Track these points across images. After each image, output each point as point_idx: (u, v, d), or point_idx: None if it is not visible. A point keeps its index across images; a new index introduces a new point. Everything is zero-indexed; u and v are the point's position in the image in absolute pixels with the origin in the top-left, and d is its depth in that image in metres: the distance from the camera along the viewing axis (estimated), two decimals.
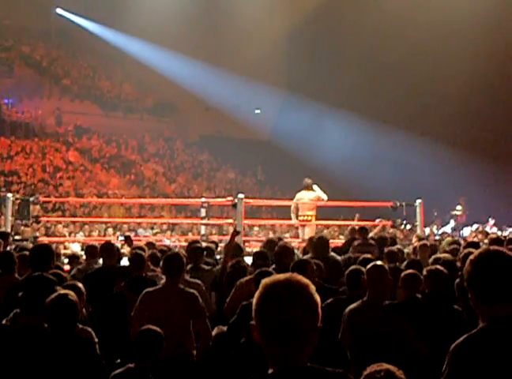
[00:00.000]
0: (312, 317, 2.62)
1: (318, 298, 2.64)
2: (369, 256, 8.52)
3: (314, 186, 16.28)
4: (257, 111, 37.93)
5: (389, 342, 5.92)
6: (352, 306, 6.21)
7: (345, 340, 6.11)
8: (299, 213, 16.13)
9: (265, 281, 2.68)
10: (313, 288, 2.65)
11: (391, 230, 18.99)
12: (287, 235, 20.71)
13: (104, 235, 19.62)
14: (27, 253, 7.87)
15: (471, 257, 3.32)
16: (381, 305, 6.22)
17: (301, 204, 16.14)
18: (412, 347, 6.03)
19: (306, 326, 2.60)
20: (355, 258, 9.22)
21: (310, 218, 16.12)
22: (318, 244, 9.87)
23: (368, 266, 6.37)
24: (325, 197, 16.16)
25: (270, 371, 2.62)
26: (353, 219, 17.26)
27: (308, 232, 15.69)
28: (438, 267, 7.14)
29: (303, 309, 2.59)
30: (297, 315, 2.57)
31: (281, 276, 2.67)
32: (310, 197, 16.15)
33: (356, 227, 13.05)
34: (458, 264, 8.65)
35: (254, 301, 2.66)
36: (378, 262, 6.52)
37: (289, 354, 2.59)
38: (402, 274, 7.08)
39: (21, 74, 35.38)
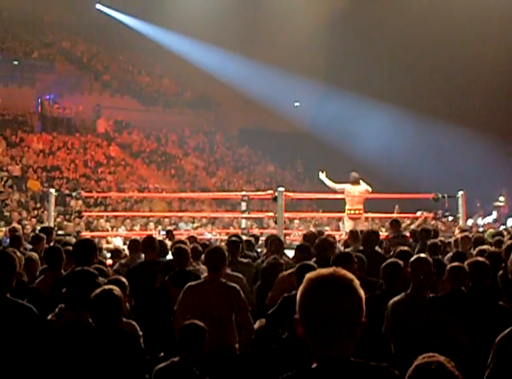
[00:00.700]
0: (356, 311, 2.62)
1: (362, 292, 2.64)
2: (406, 248, 8.48)
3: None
4: (296, 104, 37.85)
5: (433, 335, 5.86)
6: (395, 299, 6.17)
7: (389, 333, 6.07)
8: (348, 207, 15.90)
9: (309, 276, 2.68)
10: (357, 283, 2.65)
11: (433, 222, 18.85)
12: (327, 228, 20.63)
13: (146, 229, 19.74)
14: (70, 248, 7.95)
15: None
16: (425, 298, 6.17)
17: (351, 197, 15.90)
18: (455, 341, 5.98)
19: (350, 321, 2.60)
20: (393, 251, 9.19)
21: (360, 212, 15.91)
22: (367, 237, 9.87)
23: (412, 258, 6.32)
24: (370, 189, 16.04)
25: (314, 365, 2.62)
26: (393, 212, 17.18)
27: (359, 226, 15.18)
28: (480, 259, 7.05)
29: (347, 303, 2.59)
30: (341, 310, 2.58)
31: (325, 271, 2.67)
32: (360, 190, 15.95)
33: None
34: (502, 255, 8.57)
35: (298, 295, 2.66)
36: (422, 254, 6.47)
37: (333, 348, 2.60)
38: (448, 266, 6.97)
39: (62, 70, 35.69)
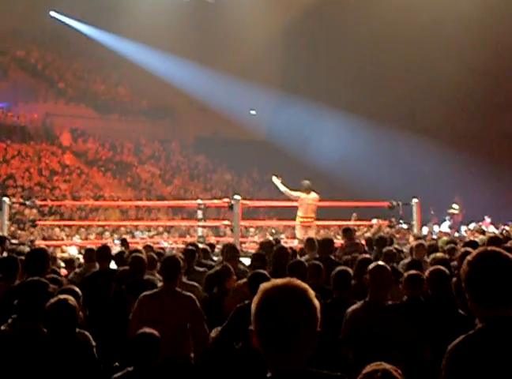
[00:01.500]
0: (311, 321, 2.62)
1: (317, 302, 2.64)
2: (367, 256, 8.55)
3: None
4: (252, 112, 37.92)
5: (393, 343, 5.89)
6: (354, 307, 6.18)
7: (347, 341, 6.08)
8: (302, 215, 16.00)
9: (263, 286, 2.67)
10: (312, 293, 2.65)
11: (387, 230, 18.97)
12: (282, 236, 20.68)
13: (101, 238, 19.60)
14: (23, 257, 7.83)
15: (468, 257, 3.31)
16: (384, 306, 6.21)
17: (305, 205, 15.97)
18: (415, 349, 6.01)
19: (305, 331, 2.60)
20: (352, 259, 9.24)
21: (312, 220, 16.04)
22: (323, 245, 9.93)
23: (371, 266, 6.35)
24: (318, 198, 16.18)
25: (269, 375, 2.62)
26: (350, 220, 17.30)
27: (311, 233, 15.35)
28: (440, 267, 7.11)
29: (302, 314, 2.59)
30: (296, 321, 2.58)
31: (280, 281, 2.66)
32: (313, 198, 16.07)
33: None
34: (455, 263, 8.66)
35: (253, 306, 2.65)
36: (380, 262, 6.49)
37: (288, 358, 2.59)
38: (405, 274, 7.03)
39: (16, 78, 35.36)
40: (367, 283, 6.24)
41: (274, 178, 16.56)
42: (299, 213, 16.05)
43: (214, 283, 8.24)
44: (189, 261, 8.97)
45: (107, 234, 20.79)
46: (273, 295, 2.61)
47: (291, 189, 16.21)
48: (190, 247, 9.81)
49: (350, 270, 6.89)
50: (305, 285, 2.67)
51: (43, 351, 5.00)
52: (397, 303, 6.73)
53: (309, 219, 15.95)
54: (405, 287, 6.85)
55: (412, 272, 7.03)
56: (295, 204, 16.43)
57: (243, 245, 16.87)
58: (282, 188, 16.27)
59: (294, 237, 18.07)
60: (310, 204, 15.98)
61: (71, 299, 5.23)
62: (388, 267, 6.42)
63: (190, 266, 9.03)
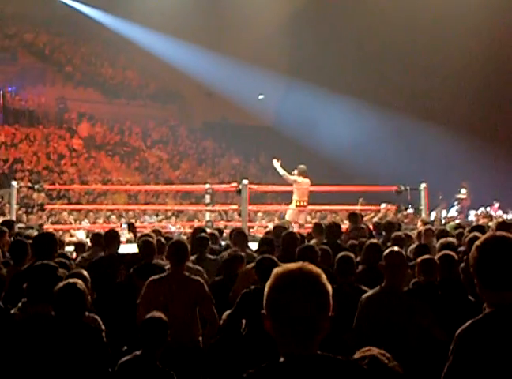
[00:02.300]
0: (325, 306, 2.64)
1: (329, 287, 2.67)
2: (375, 241, 8.55)
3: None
4: (260, 97, 37.82)
5: (409, 329, 5.87)
6: (369, 294, 6.14)
7: (362, 328, 6.02)
8: (298, 198, 16.36)
9: (276, 271, 2.69)
10: (324, 277, 2.67)
11: (392, 215, 18.93)
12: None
13: (109, 222, 19.62)
14: (31, 241, 7.85)
15: (477, 242, 3.31)
16: (401, 292, 6.17)
17: (301, 189, 16.35)
18: (432, 334, 5.97)
19: (319, 315, 2.62)
20: (358, 244, 9.25)
21: (305, 203, 16.52)
22: (330, 229, 9.94)
23: (386, 252, 6.30)
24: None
25: (282, 360, 2.63)
26: (357, 204, 17.33)
27: (301, 217, 16.42)
28: (449, 252, 7.10)
29: (315, 298, 2.61)
30: (310, 305, 2.60)
31: (293, 266, 2.68)
32: (307, 182, 16.50)
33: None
34: (463, 248, 8.64)
35: (266, 290, 2.67)
36: (396, 248, 6.45)
37: (301, 342, 2.61)
38: (419, 259, 6.98)
39: (24, 62, 35.32)
40: (382, 269, 6.21)
41: (274, 161, 16.78)
42: (295, 197, 16.42)
43: (228, 269, 8.23)
44: (201, 249, 8.95)
45: (114, 218, 20.80)
46: (287, 280, 2.63)
47: (289, 173, 16.40)
48: (203, 234, 9.68)
49: (352, 255, 6.88)
50: (318, 269, 2.69)
51: (50, 335, 5.02)
52: (414, 288, 6.71)
53: (304, 203, 16.39)
54: (420, 272, 6.81)
55: (426, 256, 7.01)
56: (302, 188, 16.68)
57: (251, 230, 16.91)
58: (281, 171, 16.55)
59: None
60: (305, 189, 16.37)
61: (80, 283, 5.24)
62: (403, 252, 6.40)
63: (203, 254, 9.01)
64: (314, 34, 32.74)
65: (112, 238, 8.97)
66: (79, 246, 10.84)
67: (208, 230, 11.30)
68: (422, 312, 6.02)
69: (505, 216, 20.93)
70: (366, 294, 6.15)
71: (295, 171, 16.50)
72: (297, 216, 16.37)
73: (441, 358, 5.61)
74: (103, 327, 5.97)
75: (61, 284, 5.15)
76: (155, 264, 7.98)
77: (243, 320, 6.68)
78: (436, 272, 6.72)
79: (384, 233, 11.26)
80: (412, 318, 5.93)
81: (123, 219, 20.32)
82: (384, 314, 5.95)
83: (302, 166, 16.57)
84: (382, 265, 6.20)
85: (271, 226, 15.14)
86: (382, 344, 5.62)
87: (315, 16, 32.85)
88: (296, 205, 16.39)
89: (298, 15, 33.36)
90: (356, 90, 30.59)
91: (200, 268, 8.01)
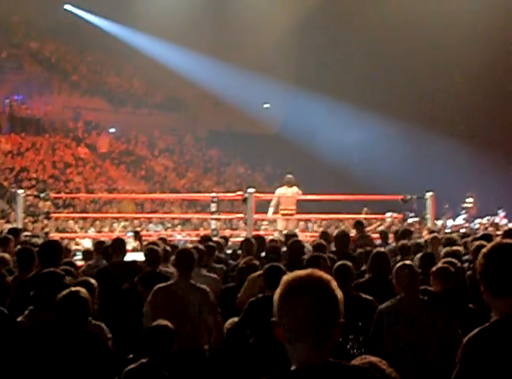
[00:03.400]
0: (336, 312, 2.63)
1: (340, 293, 2.66)
2: (382, 248, 8.55)
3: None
4: (266, 106, 37.85)
5: (432, 337, 5.80)
6: (387, 304, 6.06)
7: (382, 339, 5.92)
8: (283, 207, 16.69)
9: (286, 278, 2.67)
10: (335, 284, 2.66)
11: (399, 225, 18.90)
12: (296, 230, 20.67)
13: (113, 231, 19.62)
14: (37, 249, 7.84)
15: (484, 250, 3.31)
16: (420, 300, 6.11)
17: (285, 198, 16.70)
18: (452, 341, 5.90)
19: (329, 322, 2.61)
20: (365, 252, 9.24)
21: (292, 212, 16.77)
22: (340, 238, 9.95)
23: (397, 266, 6.23)
24: (300, 192, 17.02)
25: (293, 368, 2.62)
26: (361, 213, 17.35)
27: (290, 226, 16.51)
28: (445, 265, 7.11)
29: (327, 305, 2.61)
30: (321, 311, 2.59)
31: (302, 273, 2.67)
32: (292, 191, 16.83)
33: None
34: (469, 256, 8.64)
35: (277, 298, 2.65)
36: (407, 262, 6.42)
37: (313, 350, 2.60)
38: (434, 268, 7.03)
39: (30, 71, 35.40)
40: (396, 286, 6.12)
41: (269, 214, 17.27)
42: (281, 206, 16.75)
43: (242, 276, 8.21)
44: (208, 257, 8.94)
45: (119, 226, 20.79)
46: (297, 286, 2.62)
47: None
48: (210, 244, 9.71)
49: (350, 264, 6.88)
50: (328, 276, 2.68)
51: (56, 343, 5.03)
52: (433, 296, 6.69)
53: (289, 211, 16.67)
54: (437, 281, 6.82)
55: (441, 265, 7.04)
56: (308, 197, 17.47)
57: None
58: (270, 210, 17.08)
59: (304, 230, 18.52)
60: (289, 197, 16.75)
61: (82, 291, 5.24)
62: (412, 264, 6.39)
63: (209, 262, 9.01)
64: (320, 43, 32.81)
65: (119, 246, 8.97)
66: (86, 254, 10.86)
67: (215, 239, 11.30)
68: (447, 320, 5.95)
69: (510, 225, 20.85)
70: (383, 305, 6.07)
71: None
72: (287, 225, 16.66)
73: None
74: (109, 335, 5.97)
75: (64, 292, 5.16)
76: (160, 273, 7.99)
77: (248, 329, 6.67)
78: (452, 279, 6.78)
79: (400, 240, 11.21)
80: (435, 326, 5.86)
81: (129, 228, 20.30)
82: (406, 323, 5.87)
83: (288, 175, 17.20)
84: (396, 282, 6.12)
85: (276, 235, 15.16)
86: (403, 356, 5.59)
87: (321, 26, 32.88)
88: (281, 214, 16.72)
89: (304, 24, 33.41)
90: (362, 99, 30.59)
91: (215, 275, 8.05)
